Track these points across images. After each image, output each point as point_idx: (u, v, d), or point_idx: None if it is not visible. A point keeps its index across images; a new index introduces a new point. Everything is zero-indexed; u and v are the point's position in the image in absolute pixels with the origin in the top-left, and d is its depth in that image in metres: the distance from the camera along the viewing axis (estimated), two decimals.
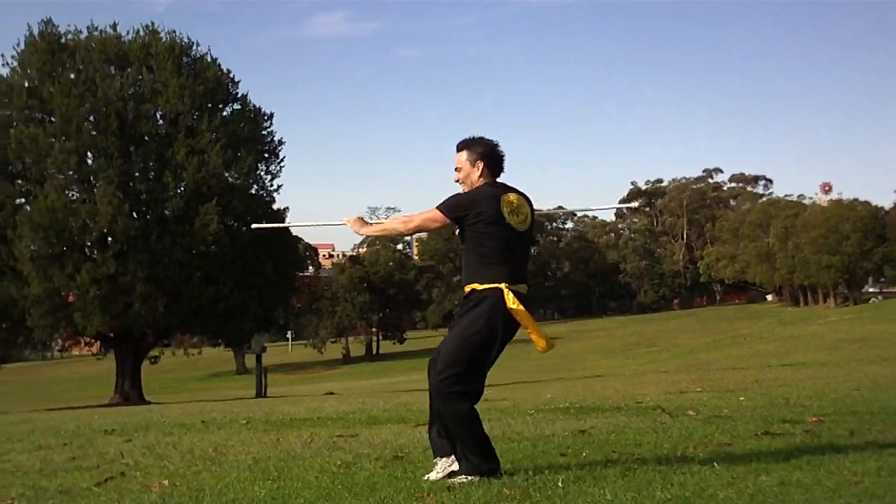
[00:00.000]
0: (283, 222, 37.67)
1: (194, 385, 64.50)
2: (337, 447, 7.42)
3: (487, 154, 5.56)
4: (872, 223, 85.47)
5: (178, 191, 35.94)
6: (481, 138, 5.63)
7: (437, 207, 5.47)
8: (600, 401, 11.75)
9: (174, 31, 38.27)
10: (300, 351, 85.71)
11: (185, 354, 74.21)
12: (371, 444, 7.40)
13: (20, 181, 36.93)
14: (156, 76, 36.98)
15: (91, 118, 35.56)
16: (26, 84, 36.50)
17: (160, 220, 36.34)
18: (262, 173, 39.35)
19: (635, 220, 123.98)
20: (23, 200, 36.47)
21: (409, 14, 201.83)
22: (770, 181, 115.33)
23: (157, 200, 36.58)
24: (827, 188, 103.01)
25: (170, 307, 35.37)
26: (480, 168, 5.53)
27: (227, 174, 36.62)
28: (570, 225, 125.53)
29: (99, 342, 41.02)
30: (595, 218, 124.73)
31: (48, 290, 34.22)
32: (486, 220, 5.34)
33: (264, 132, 39.39)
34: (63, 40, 37.27)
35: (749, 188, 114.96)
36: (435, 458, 5.48)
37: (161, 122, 37.62)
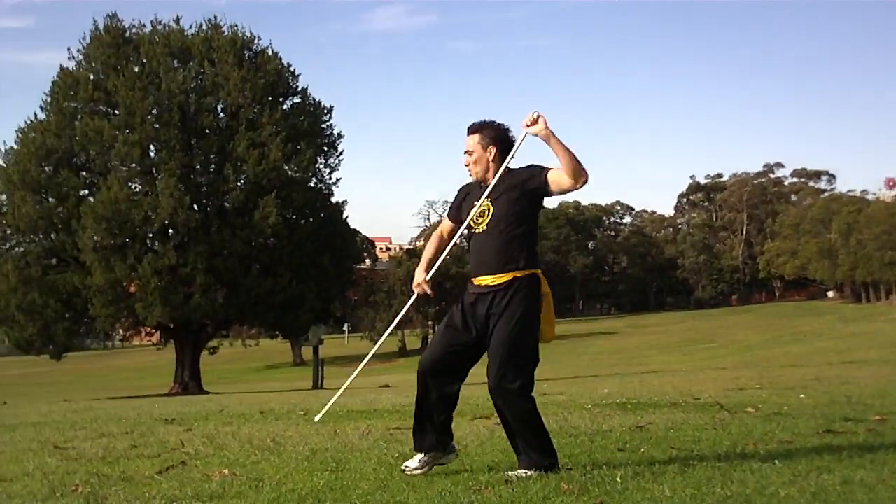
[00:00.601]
0: (342, 216, 37.91)
1: (252, 376, 65.09)
2: (394, 439, 7.45)
3: (500, 138, 5.47)
4: None
5: (239, 183, 36.27)
6: (493, 121, 5.53)
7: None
8: (657, 396, 11.67)
9: (236, 25, 38.67)
10: (356, 343, 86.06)
11: (243, 345, 74.97)
12: None
13: (84, 173, 37.49)
14: (217, 69, 37.31)
15: (154, 111, 35.99)
16: (92, 77, 37.01)
17: (220, 213, 36.71)
18: (321, 166, 39.58)
19: (694, 214, 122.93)
20: (87, 192, 37.01)
21: (463, 7, 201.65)
22: (833, 176, 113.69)
23: (217, 193, 36.96)
24: (891, 184, 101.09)
25: (228, 298, 35.72)
26: (493, 153, 5.44)
27: (286, 167, 36.86)
28: (627, 220, 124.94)
29: (159, 332, 41.47)
30: (653, 213, 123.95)
31: (110, 280, 34.71)
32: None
33: (324, 125, 39.57)
34: (127, 34, 37.77)
35: (811, 183, 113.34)
36: (418, 451, 5.49)
37: (222, 115, 37.96)
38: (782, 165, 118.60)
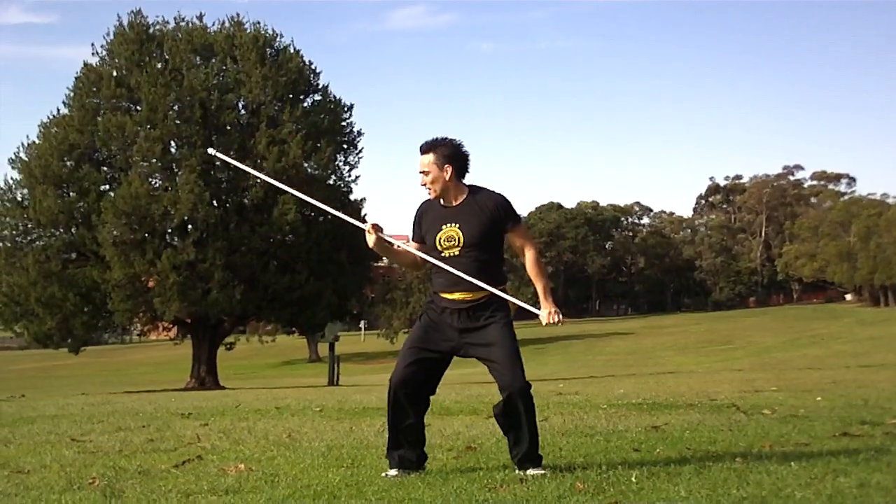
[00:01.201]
0: (360, 213, 37.84)
1: (268, 372, 65.24)
2: None
3: (455, 156, 5.48)
4: None
5: (258, 181, 36.34)
6: (445, 138, 5.53)
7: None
8: (673, 397, 11.65)
9: (258, 23, 38.70)
10: (372, 341, 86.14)
11: (260, 341, 75.00)
12: (443, 435, 7.44)
13: (106, 168, 37.61)
14: (239, 67, 37.37)
15: (176, 107, 36.06)
16: (115, 73, 37.11)
17: (239, 209, 36.78)
18: (341, 164, 39.54)
19: (712, 216, 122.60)
20: (107, 187, 37.15)
21: (484, 8, 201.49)
22: (853, 179, 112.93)
23: (236, 189, 37.04)
24: None
25: (246, 294, 35.77)
26: (449, 172, 5.44)
27: (306, 164, 36.88)
28: (646, 220, 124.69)
29: (176, 327, 41.57)
30: (672, 214, 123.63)
31: (129, 275, 34.82)
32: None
33: (344, 123, 39.56)
34: (151, 31, 37.85)
35: (831, 186, 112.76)
36: (391, 468, 5.49)
37: (243, 112, 38.02)
38: (802, 168, 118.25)
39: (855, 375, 18.25)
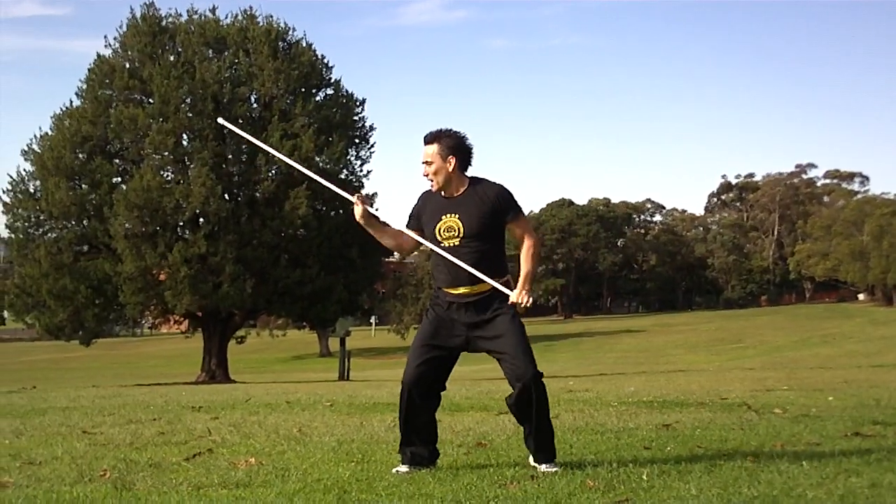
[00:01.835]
0: (372, 206, 37.86)
1: (278, 366, 65.32)
2: None
3: (459, 147, 5.47)
4: None
5: (270, 174, 36.41)
6: (450, 130, 5.52)
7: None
8: (684, 395, 11.62)
9: (271, 16, 38.73)
10: (383, 336, 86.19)
11: (271, 335, 75.24)
12: (453, 431, 7.43)
13: (118, 160, 37.71)
14: (252, 60, 37.42)
15: (188, 100, 36.13)
16: (127, 65, 37.20)
17: (251, 203, 36.83)
18: (353, 158, 39.59)
19: (724, 214, 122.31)
20: (119, 179, 37.24)
21: (497, 4, 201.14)
22: (866, 178, 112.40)
23: (248, 183, 37.11)
24: None
25: (257, 288, 35.82)
26: (453, 163, 5.44)
27: (318, 159, 36.88)
28: (658, 218, 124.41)
29: (187, 321, 41.67)
30: (684, 211, 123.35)
31: (140, 268, 34.91)
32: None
33: (356, 118, 39.59)
34: (164, 23, 37.91)
35: (844, 185, 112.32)
36: (403, 464, 5.51)
37: (255, 105, 38.07)
38: (815, 166, 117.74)
39: (867, 375, 18.18)
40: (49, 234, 37.16)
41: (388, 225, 5.79)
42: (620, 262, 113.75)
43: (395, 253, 5.73)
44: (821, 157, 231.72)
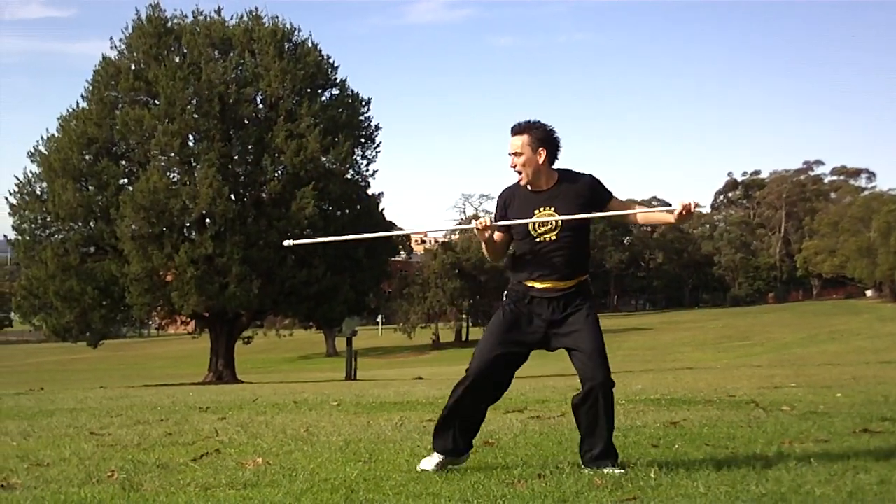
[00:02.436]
0: (378, 208, 37.87)
1: (285, 366, 65.38)
2: (427, 431, 7.44)
3: (549, 139, 5.34)
4: None
5: (276, 174, 36.42)
6: (538, 122, 5.38)
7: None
8: (692, 393, 11.60)
9: (276, 17, 38.81)
10: (390, 335, 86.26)
11: (277, 336, 75.33)
12: None
13: (124, 162, 37.76)
14: (257, 60, 37.47)
15: (194, 101, 36.15)
16: (133, 67, 37.26)
17: (257, 203, 36.87)
18: (359, 158, 39.59)
19: (731, 211, 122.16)
20: (126, 181, 37.31)
21: (502, 2, 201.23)
22: (873, 174, 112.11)
23: (255, 183, 37.15)
24: None
25: (264, 289, 35.85)
26: (543, 155, 5.31)
27: (324, 159, 36.91)
28: None
29: (194, 321, 41.74)
30: None
31: (147, 269, 34.96)
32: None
33: (361, 117, 39.61)
34: (169, 24, 37.97)
35: (851, 181, 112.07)
36: (439, 453, 5.41)
37: (261, 105, 38.10)
38: (822, 163, 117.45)
39: (875, 372, 18.14)
40: (56, 236, 37.25)
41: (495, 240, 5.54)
42: (627, 260, 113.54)
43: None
44: (827, 153, 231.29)
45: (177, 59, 37.04)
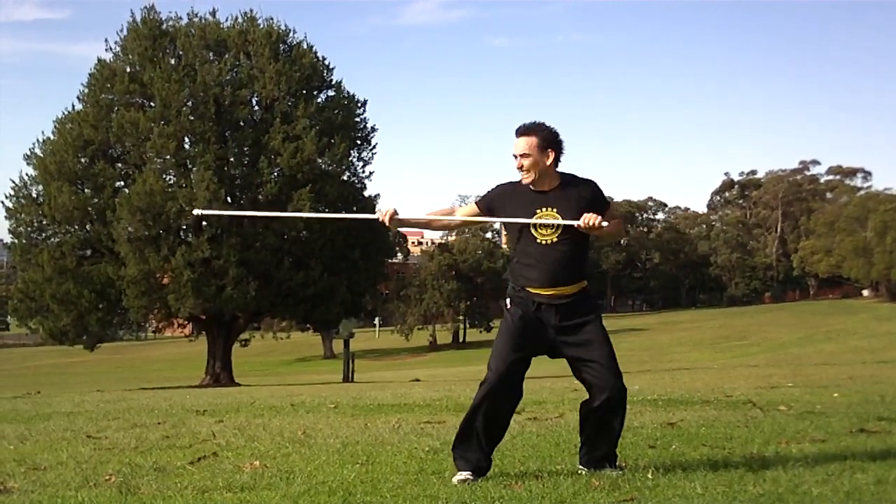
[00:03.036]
0: (373, 210, 37.76)
1: (282, 368, 65.38)
2: (424, 433, 7.46)
3: (556, 141, 5.31)
4: None
5: (273, 176, 36.37)
6: (543, 124, 5.34)
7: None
8: (689, 393, 11.61)
9: (272, 18, 38.75)
10: (387, 337, 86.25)
11: (274, 338, 75.25)
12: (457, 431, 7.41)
13: (120, 164, 37.70)
14: (253, 62, 37.42)
15: (189, 103, 36.09)
16: (128, 69, 37.20)
17: (254, 205, 36.78)
18: (355, 160, 39.55)
19: (728, 211, 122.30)
20: (122, 183, 37.24)
21: (498, 2, 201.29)
22: (869, 174, 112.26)
23: (251, 185, 37.08)
24: None
25: (260, 291, 35.80)
26: (551, 157, 5.27)
27: (320, 160, 36.85)
28: (661, 216, 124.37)
29: (191, 324, 41.69)
30: (687, 209, 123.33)
31: (144, 271, 34.89)
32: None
33: (357, 119, 39.55)
34: (164, 27, 37.90)
35: (847, 181, 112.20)
36: (466, 470, 5.18)
37: (257, 107, 38.05)
38: (818, 163, 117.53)
39: (872, 371, 18.18)
40: (52, 239, 37.18)
41: (420, 218, 5.72)
42: (624, 261, 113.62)
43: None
44: (824, 153, 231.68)
45: (172, 61, 36.99)
